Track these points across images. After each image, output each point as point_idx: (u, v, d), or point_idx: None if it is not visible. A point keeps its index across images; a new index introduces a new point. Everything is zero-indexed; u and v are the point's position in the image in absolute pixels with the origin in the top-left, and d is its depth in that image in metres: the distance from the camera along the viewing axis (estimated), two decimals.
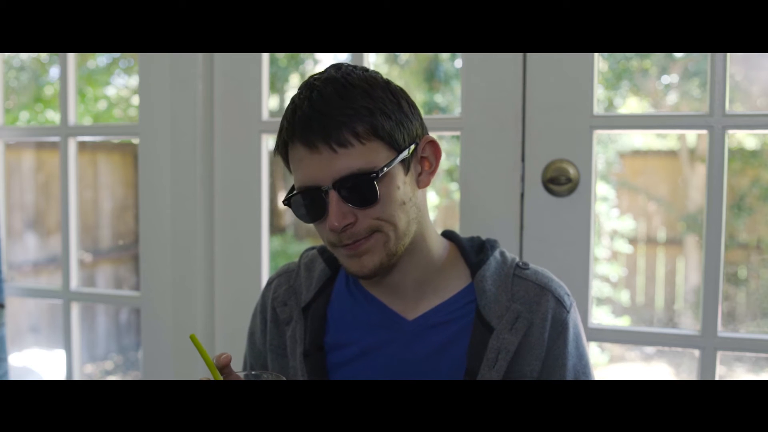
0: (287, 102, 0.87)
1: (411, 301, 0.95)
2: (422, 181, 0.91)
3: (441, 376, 0.91)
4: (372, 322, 0.95)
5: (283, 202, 0.88)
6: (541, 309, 0.92)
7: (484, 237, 1.02)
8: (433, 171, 0.92)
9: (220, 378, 0.81)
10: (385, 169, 0.84)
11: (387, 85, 0.88)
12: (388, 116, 0.84)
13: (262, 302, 1.06)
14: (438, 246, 0.96)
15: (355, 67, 0.89)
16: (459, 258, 0.97)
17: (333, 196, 0.84)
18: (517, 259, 0.98)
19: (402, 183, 0.87)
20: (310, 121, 0.82)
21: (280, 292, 1.02)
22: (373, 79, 0.87)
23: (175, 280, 1.52)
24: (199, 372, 1.50)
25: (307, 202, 0.86)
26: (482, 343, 0.90)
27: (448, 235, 1.00)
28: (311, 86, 0.86)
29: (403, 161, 0.86)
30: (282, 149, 0.88)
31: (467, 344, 0.91)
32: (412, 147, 0.88)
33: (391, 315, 0.95)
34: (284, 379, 0.86)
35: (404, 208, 0.87)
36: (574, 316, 0.95)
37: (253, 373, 0.89)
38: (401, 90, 0.91)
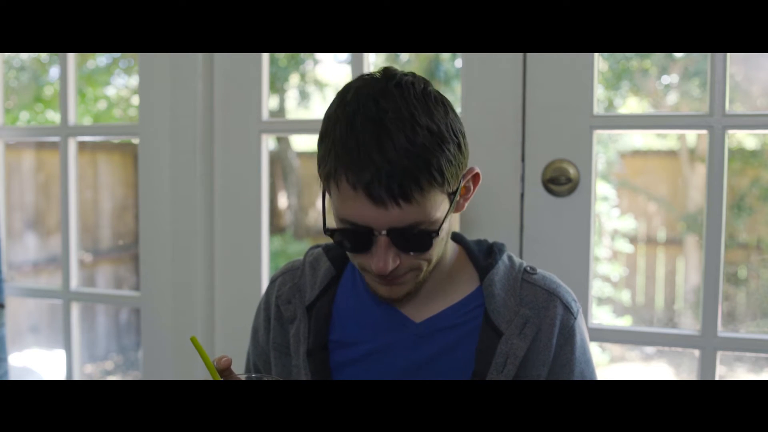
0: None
1: (419, 304, 0.94)
2: (458, 206, 0.90)
3: (447, 378, 0.91)
4: (379, 323, 0.95)
5: (325, 232, 0.86)
6: (549, 314, 0.92)
7: (483, 237, 1.02)
8: (468, 197, 0.91)
9: (219, 379, 0.81)
10: (444, 224, 0.83)
11: (446, 115, 0.82)
12: (450, 162, 0.81)
13: (266, 300, 1.05)
14: (450, 252, 0.96)
15: (413, 84, 0.82)
16: (467, 261, 0.97)
17: (383, 240, 0.82)
18: (525, 263, 0.98)
19: (448, 222, 0.86)
20: (380, 173, 0.76)
21: (284, 290, 1.01)
22: (436, 109, 0.81)
23: (175, 280, 1.52)
24: (199, 372, 1.49)
25: (351, 237, 0.83)
26: (491, 348, 0.90)
27: (455, 237, 1.00)
28: (378, 121, 0.77)
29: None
30: (332, 177, 0.80)
31: (474, 348, 0.91)
32: (461, 183, 0.86)
33: (399, 317, 0.95)
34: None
35: (442, 242, 0.87)
36: (581, 322, 0.95)
37: (253, 376, 0.89)
38: (456, 117, 0.85)
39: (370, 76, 0.84)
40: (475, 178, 0.90)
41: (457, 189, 0.85)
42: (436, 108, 0.81)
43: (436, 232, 0.82)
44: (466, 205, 0.91)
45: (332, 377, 0.95)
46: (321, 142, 0.83)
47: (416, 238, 0.82)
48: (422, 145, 0.78)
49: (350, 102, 0.81)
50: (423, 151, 0.77)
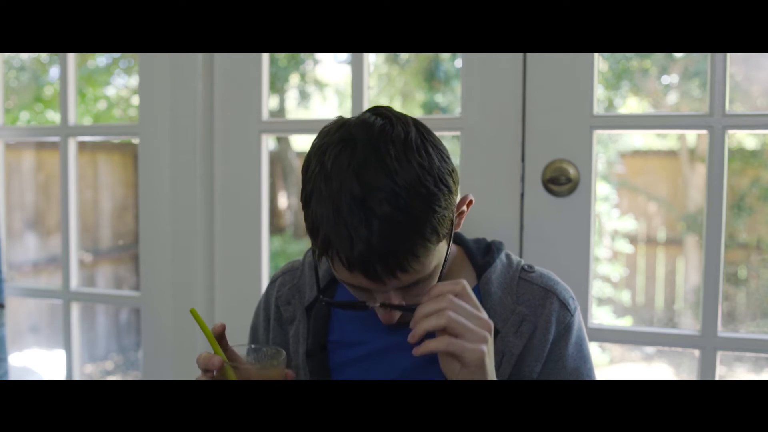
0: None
1: None
2: (455, 226, 0.89)
3: (446, 378, 0.91)
4: (378, 324, 0.95)
5: (321, 301, 0.89)
6: (545, 312, 0.92)
7: (483, 237, 1.02)
8: (463, 217, 0.90)
9: (220, 350, 0.84)
10: (440, 274, 0.83)
11: (431, 165, 0.78)
12: (444, 216, 0.79)
13: (265, 299, 1.05)
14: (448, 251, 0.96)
15: (392, 140, 0.77)
16: (465, 260, 0.97)
17: (384, 296, 0.83)
18: (523, 261, 0.98)
19: (444, 254, 0.85)
20: (373, 254, 0.75)
21: (284, 291, 1.02)
22: (421, 162, 0.77)
23: (175, 280, 1.52)
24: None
25: (352, 291, 0.85)
26: None
27: (454, 236, 1.00)
28: (362, 201, 0.74)
29: None
30: (325, 253, 0.79)
31: None
32: (455, 217, 0.85)
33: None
34: (284, 353, 0.88)
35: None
36: (578, 320, 0.95)
37: (252, 346, 0.91)
38: (441, 154, 0.81)
39: (347, 129, 0.80)
40: (469, 203, 0.89)
41: (452, 225, 0.83)
42: (420, 160, 0.77)
43: (439, 278, 0.82)
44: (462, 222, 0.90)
45: (331, 378, 0.95)
46: (306, 206, 0.80)
47: (413, 290, 0.83)
48: (411, 214, 0.75)
49: (331, 174, 0.77)
50: (413, 220, 0.75)
